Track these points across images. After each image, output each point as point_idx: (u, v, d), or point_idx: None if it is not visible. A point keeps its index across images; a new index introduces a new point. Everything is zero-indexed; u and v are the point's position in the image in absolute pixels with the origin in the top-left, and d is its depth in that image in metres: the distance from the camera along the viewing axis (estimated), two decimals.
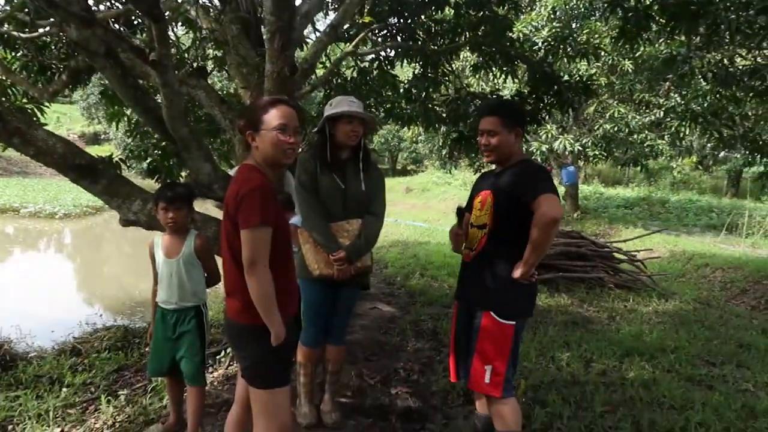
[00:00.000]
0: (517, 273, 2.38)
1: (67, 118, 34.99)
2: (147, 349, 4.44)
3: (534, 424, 3.17)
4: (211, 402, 3.33)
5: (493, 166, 2.64)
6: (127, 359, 4.27)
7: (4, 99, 4.93)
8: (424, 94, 6.45)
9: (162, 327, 2.91)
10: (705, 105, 8.66)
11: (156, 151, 5.64)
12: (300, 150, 2.93)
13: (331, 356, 3.09)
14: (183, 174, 5.40)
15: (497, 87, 10.74)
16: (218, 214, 3.80)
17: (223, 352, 4.20)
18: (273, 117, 1.98)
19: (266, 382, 2.01)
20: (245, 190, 1.89)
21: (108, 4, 5.11)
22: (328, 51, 6.23)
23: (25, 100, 5.04)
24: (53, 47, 5.22)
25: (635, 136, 12.55)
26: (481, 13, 5.91)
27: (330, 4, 6.33)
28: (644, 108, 12.76)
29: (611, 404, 3.51)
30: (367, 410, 3.29)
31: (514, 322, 2.44)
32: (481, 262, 2.53)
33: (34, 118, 4.85)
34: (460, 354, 2.65)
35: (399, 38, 6.30)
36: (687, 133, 10.32)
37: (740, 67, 6.78)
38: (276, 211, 1.96)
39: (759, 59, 7.12)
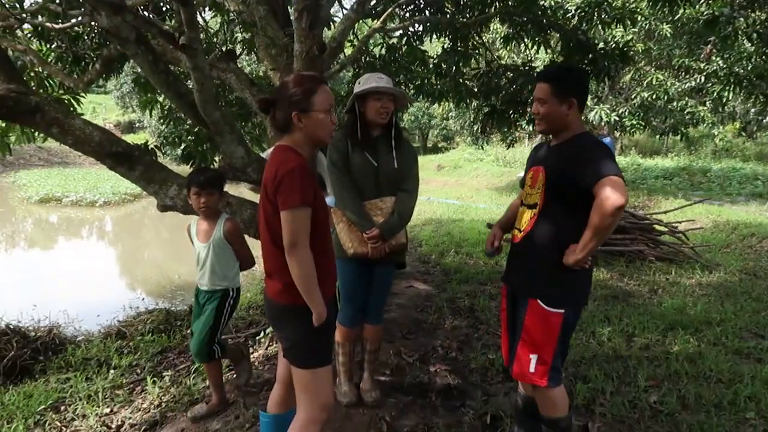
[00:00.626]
0: (571, 259, 2.15)
1: (102, 108, 35.74)
2: (189, 331, 4.55)
3: (576, 400, 3.13)
4: (252, 382, 3.38)
5: (549, 137, 2.42)
6: (170, 341, 4.38)
7: (41, 90, 5.04)
8: (454, 68, 6.34)
9: (196, 305, 3.04)
10: (750, 67, 8.30)
11: (189, 137, 5.72)
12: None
13: (369, 335, 3.09)
14: (217, 158, 5.46)
15: (530, 58, 10.45)
16: (252, 197, 3.84)
17: (262, 333, 4.26)
18: (321, 99, 1.96)
19: (308, 362, 2.02)
20: (284, 171, 1.88)
21: None
22: (355, 29, 6.17)
23: (61, 91, 5.16)
24: (86, 37, 5.30)
25: (674, 104, 12.14)
26: None
27: None
28: (684, 74, 12.31)
29: (655, 379, 3.44)
30: (406, 388, 3.29)
31: (562, 311, 2.24)
32: (528, 244, 2.33)
33: (71, 109, 4.96)
34: (510, 340, 2.51)
35: (427, 12, 6.17)
36: (730, 98, 9.92)
37: None
38: (315, 191, 1.94)
39: None
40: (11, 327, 4.34)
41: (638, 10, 9.15)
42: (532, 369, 2.28)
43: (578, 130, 2.30)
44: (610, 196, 1.97)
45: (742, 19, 6.32)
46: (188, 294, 7.08)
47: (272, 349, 3.98)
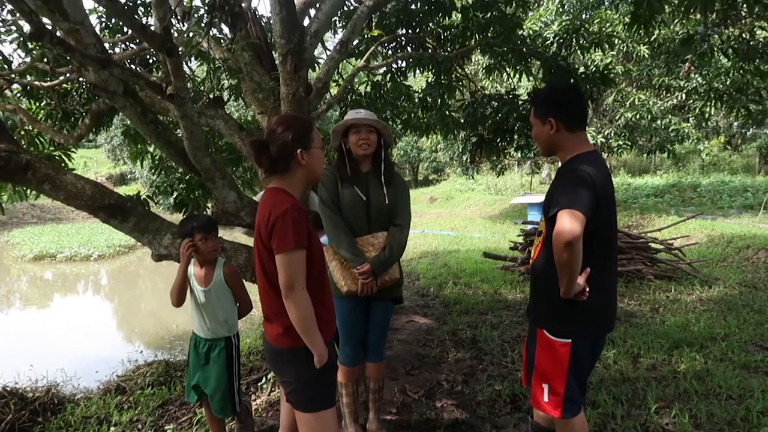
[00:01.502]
0: (562, 291, 2.11)
1: (93, 162, 35.87)
2: (184, 385, 4.47)
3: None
4: (257, 430, 3.30)
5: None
6: (171, 393, 4.29)
7: (32, 148, 5.07)
8: (439, 101, 6.43)
9: (194, 354, 2.97)
10: (728, 82, 8.45)
11: (181, 185, 5.72)
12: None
13: (371, 373, 3.04)
14: (209, 205, 5.46)
15: (513, 86, 10.65)
16: (247, 240, 3.82)
17: (264, 379, 4.19)
18: (317, 137, 2.04)
19: (312, 405, 1.98)
20: (277, 213, 1.88)
21: (123, 45, 5.23)
22: (340, 68, 6.26)
23: (52, 148, 5.18)
24: (75, 93, 5.36)
25: (658, 122, 12.31)
26: (489, 14, 5.88)
27: (338, 21, 6.37)
28: (665, 92, 12.53)
29: (665, 399, 3.39)
30: (413, 426, 3.23)
31: (569, 341, 2.16)
32: (534, 273, 2.33)
33: (62, 164, 4.97)
34: (528, 365, 2.41)
35: (409, 48, 6.30)
36: (712, 113, 10.07)
37: (761, 40, 6.59)
38: (309, 231, 1.94)
39: None
40: (8, 389, 4.24)
41: (615, 33, 9.37)
42: (546, 399, 2.23)
43: (573, 152, 2.20)
44: (559, 231, 1.95)
45: (716, 36, 6.48)
46: (187, 343, 6.98)
47: (275, 395, 3.91)
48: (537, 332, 2.26)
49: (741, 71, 7.40)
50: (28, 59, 4.65)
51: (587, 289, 2.10)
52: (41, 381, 4.61)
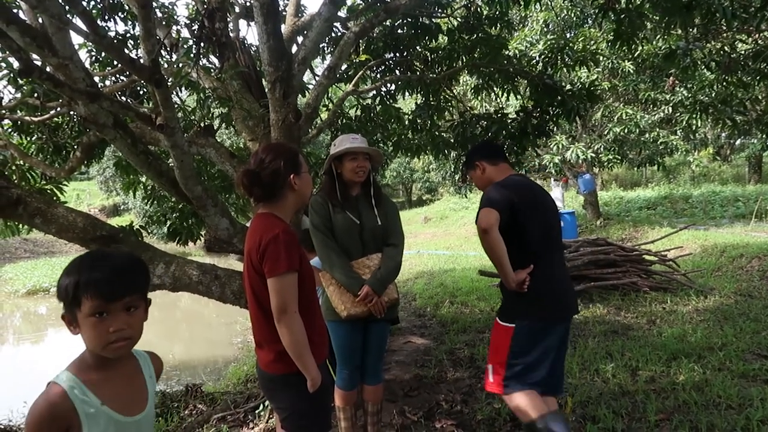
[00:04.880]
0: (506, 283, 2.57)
1: (86, 194, 35.83)
2: (186, 412, 4.42)
3: None
4: None
5: None
6: (168, 425, 4.24)
7: (23, 183, 5.07)
8: (429, 122, 6.49)
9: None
10: (713, 94, 8.57)
11: (174, 214, 5.73)
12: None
13: (369, 396, 3.02)
14: (203, 233, 5.46)
15: (501, 105, 10.75)
16: (241, 267, 3.82)
17: (261, 406, 4.15)
18: (303, 161, 2.09)
19: (308, 431, 1.97)
20: (268, 238, 1.89)
21: (113, 78, 5.27)
22: (330, 93, 6.33)
23: (43, 182, 5.18)
24: (65, 127, 5.38)
25: (647, 135, 12.43)
26: (475, 35, 5.98)
27: (326, 47, 6.45)
28: (651, 106, 12.67)
29: (665, 412, 3.38)
30: None
31: (513, 325, 2.55)
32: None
33: (54, 198, 4.97)
34: None
35: (397, 71, 6.38)
36: (699, 125, 10.18)
37: (743, 52, 6.72)
38: (300, 255, 1.95)
39: (760, 41, 7.05)
40: (2, 427, 4.19)
41: (599, 51, 9.53)
42: (490, 378, 2.61)
43: (497, 178, 2.78)
44: (477, 223, 2.50)
45: (698, 50, 6.60)
46: (183, 373, 6.91)
47: (272, 423, 3.86)
48: (494, 321, 2.69)
49: (725, 83, 7.52)
50: (18, 95, 4.68)
51: (527, 281, 2.51)
52: None
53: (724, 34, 6.87)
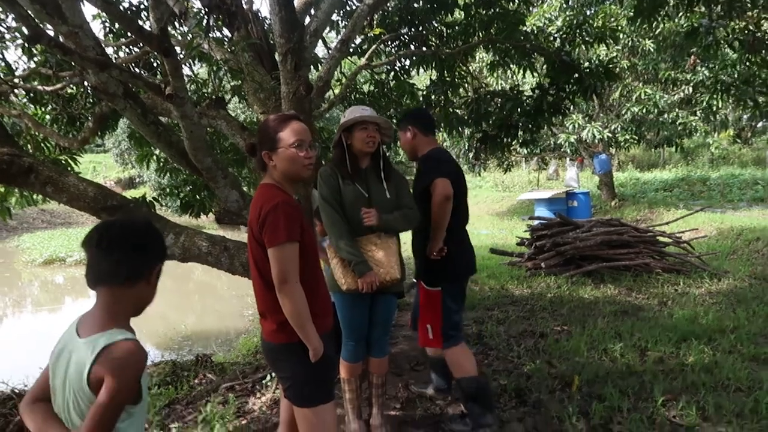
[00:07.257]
0: (429, 251, 2.89)
1: (102, 167, 36.14)
2: (196, 381, 4.49)
3: (593, 420, 3.05)
4: (260, 427, 3.31)
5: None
6: (178, 392, 4.31)
7: (38, 153, 5.11)
8: (443, 98, 6.42)
9: None
10: (735, 74, 8.37)
11: (187, 187, 5.76)
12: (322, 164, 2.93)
13: (374, 369, 3.04)
14: (215, 205, 5.48)
15: (516, 82, 10.60)
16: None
17: (269, 377, 4.20)
18: (288, 135, 1.99)
19: (310, 400, 1.98)
20: (267, 208, 1.88)
21: (126, 49, 5.27)
22: (343, 67, 6.26)
23: (58, 152, 5.23)
24: (79, 97, 5.40)
25: (666, 116, 12.22)
26: (492, 10, 5.85)
27: (340, 20, 6.38)
28: (671, 86, 12.44)
29: (672, 392, 3.36)
30: (418, 421, 3.22)
31: (439, 288, 2.94)
32: (412, 240, 3.09)
33: (68, 168, 5.02)
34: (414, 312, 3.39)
35: (412, 46, 6.29)
36: (720, 106, 10.01)
37: None
38: (301, 226, 1.94)
39: None
40: (16, 391, 4.29)
41: (619, 28, 9.32)
42: (431, 336, 2.99)
43: (429, 148, 3.07)
44: (440, 191, 2.75)
45: (721, 28, 6.42)
46: (194, 343, 7.01)
47: (278, 393, 3.91)
48: (418, 283, 3.05)
49: (748, 63, 7.32)
50: (31, 64, 4.69)
51: (445, 248, 2.86)
52: None
53: (749, 12, 6.66)
